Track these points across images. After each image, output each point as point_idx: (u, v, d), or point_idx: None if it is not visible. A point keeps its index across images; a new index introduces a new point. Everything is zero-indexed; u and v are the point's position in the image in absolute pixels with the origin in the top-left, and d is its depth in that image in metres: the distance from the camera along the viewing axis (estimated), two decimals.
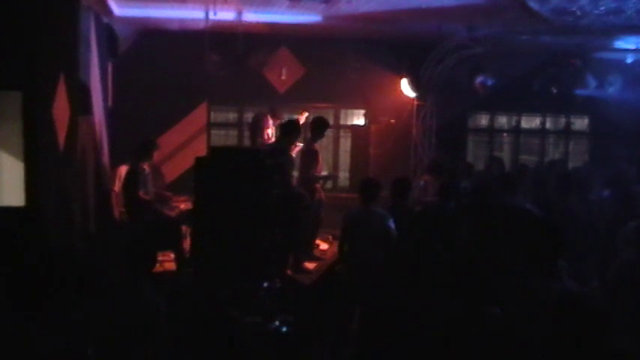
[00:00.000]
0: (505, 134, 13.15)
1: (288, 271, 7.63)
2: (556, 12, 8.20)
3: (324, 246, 9.02)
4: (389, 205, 6.52)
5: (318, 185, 8.31)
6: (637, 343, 4.20)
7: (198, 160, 6.77)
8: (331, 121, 11.69)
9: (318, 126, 8.33)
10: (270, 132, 9.89)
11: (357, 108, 12.08)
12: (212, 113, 11.43)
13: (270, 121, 10.01)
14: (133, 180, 7.95)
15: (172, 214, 8.19)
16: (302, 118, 9.87)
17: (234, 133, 11.57)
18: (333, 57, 10.88)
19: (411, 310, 3.85)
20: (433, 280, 4.06)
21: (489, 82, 10.95)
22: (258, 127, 9.60)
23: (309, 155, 8.16)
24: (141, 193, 7.89)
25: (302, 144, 8.40)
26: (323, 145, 9.89)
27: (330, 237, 9.02)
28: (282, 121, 9.51)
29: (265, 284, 6.44)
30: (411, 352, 3.73)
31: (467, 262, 4.01)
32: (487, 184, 7.53)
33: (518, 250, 4.40)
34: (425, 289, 3.94)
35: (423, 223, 5.83)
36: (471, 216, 6.18)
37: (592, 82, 11.52)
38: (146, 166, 8.16)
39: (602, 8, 7.97)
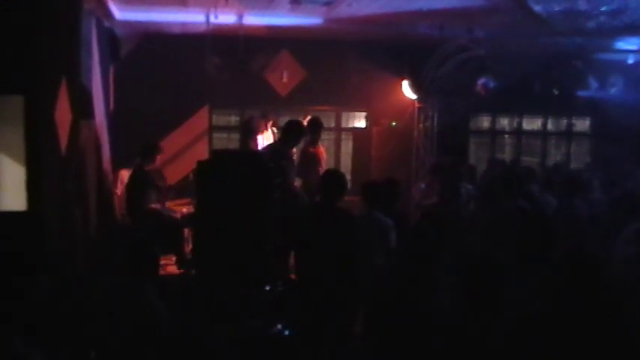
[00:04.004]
0: (507, 136, 13.15)
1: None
2: (557, 13, 8.20)
3: None
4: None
5: None
6: None
7: (200, 164, 6.76)
8: (333, 124, 11.76)
9: (311, 128, 8.34)
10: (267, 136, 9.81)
11: (358, 110, 12.08)
12: (214, 116, 11.43)
13: (265, 126, 9.95)
14: (137, 182, 7.97)
15: (174, 217, 8.19)
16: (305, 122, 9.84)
17: (236, 136, 11.53)
18: (334, 60, 10.88)
19: (415, 313, 3.85)
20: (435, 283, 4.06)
21: (491, 84, 10.94)
22: (249, 130, 9.53)
23: (305, 158, 8.18)
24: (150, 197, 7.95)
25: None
26: (325, 148, 9.87)
27: None
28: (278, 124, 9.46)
29: (267, 287, 6.44)
30: (415, 354, 3.72)
31: (470, 263, 3.99)
32: (490, 187, 7.51)
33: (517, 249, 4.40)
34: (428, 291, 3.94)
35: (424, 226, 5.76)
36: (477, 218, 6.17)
37: (593, 84, 11.53)
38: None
39: (604, 9, 7.97)
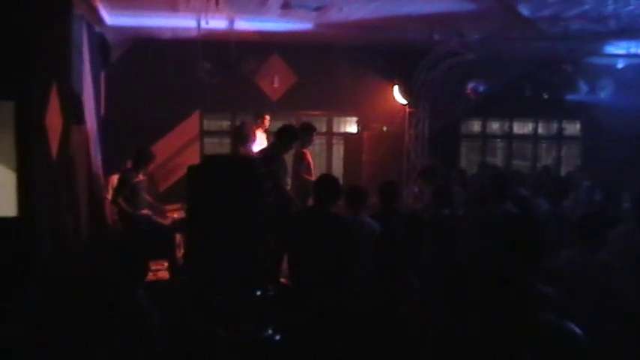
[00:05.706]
0: (498, 140, 13.22)
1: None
2: (547, 18, 8.25)
3: None
4: (378, 210, 6.39)
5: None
6: None
7: (191, 169, 6.75)
8: (324, 129, 11.77)
9: (303, 131, 8.39)
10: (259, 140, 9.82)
11: (349, 115, 12.11)
12: (205, 121, 11.43)
13: (262, 124, 9.98)
14: (117, 187, 7.94)
15: (166, 222, 8.18)
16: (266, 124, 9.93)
17: (227, 141, 11.54)
18: (325, 64, 10.89)
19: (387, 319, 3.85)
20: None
21: (481, 88, 11.00)
22: (241, 135, 9.53)
23: (298, 158, 8.28)
24: (120, 200, 7.86)
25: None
26: (316, 153, 9.89)
27: None
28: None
29: (259, 292, 6.43)
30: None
31: (461, 269, 4.01)
32: (480, 190, 7.54)
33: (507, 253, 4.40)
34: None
35: (417, 230, 5.75)
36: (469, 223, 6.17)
37: (583, 88, 11.59)
38: (141, 175, 8.15)
39: (593, 14, 8.02)
